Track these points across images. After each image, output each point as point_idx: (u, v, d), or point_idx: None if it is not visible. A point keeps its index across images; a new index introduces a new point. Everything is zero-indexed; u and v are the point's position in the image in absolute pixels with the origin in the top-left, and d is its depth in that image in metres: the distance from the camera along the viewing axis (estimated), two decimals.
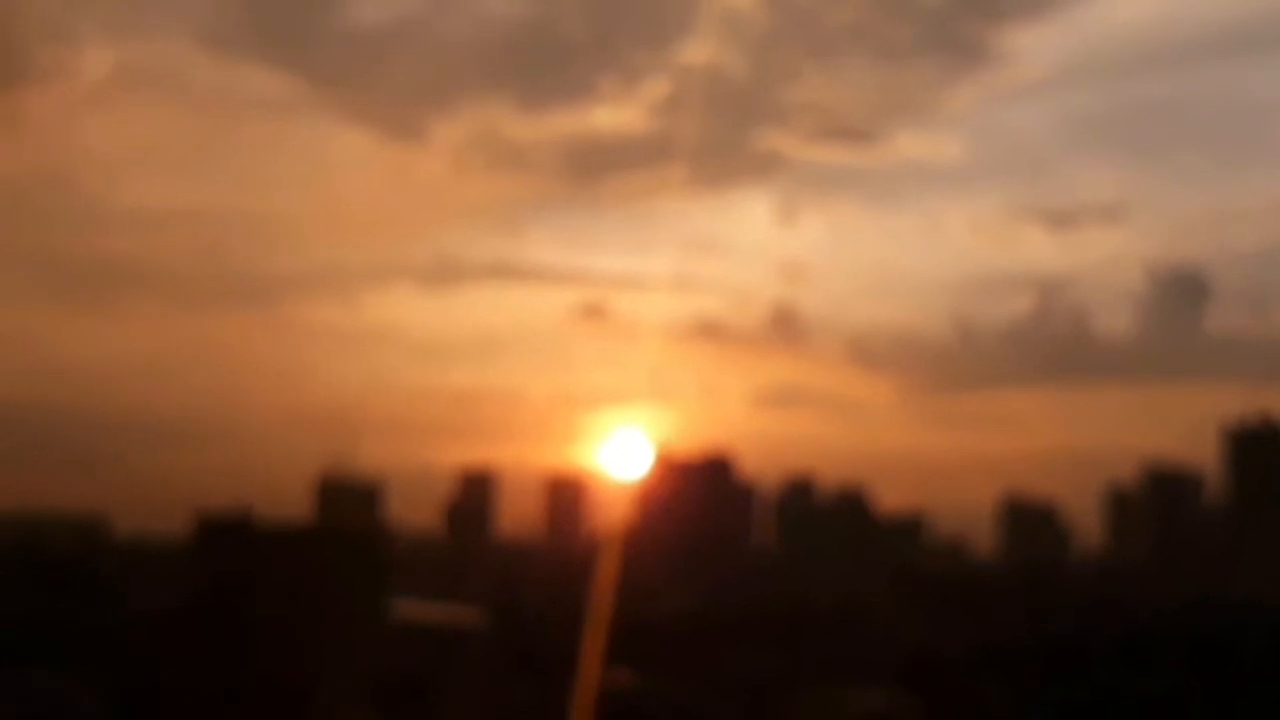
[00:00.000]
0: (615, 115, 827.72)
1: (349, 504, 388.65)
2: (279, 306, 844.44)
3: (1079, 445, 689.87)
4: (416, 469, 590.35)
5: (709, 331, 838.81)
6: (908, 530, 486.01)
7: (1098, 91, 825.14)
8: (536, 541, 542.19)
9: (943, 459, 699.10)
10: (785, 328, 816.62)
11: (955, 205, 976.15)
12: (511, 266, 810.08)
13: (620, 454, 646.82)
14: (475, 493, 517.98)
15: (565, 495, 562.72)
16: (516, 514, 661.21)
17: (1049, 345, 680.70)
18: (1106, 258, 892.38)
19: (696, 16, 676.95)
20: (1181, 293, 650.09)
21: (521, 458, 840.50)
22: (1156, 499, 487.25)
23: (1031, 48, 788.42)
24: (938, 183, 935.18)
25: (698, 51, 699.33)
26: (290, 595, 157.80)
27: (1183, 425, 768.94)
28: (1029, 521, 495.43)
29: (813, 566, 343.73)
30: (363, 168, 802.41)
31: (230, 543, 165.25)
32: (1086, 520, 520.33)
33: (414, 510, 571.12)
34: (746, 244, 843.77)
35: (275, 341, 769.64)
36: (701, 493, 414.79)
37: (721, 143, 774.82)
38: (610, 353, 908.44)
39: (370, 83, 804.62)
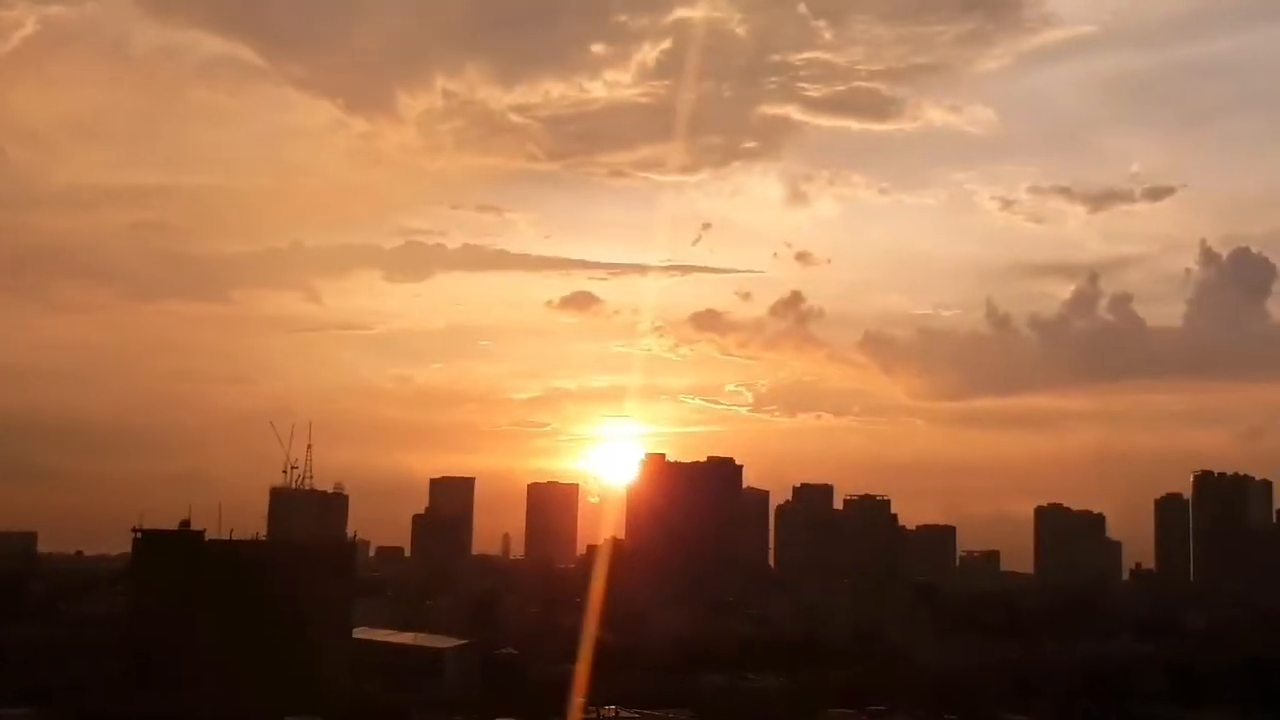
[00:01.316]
0: (605, 83, 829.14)
1: (306, 516, 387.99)
2: (230, 296, 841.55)
3: (1126, 451, 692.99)
4: (383, 477, 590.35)
5: (710, 323, 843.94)
6: (934, 545, 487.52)
7: (1143, 51, 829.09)
8: (516, 557, 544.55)
9: (973, 467, 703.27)
10: (795, 319, 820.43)
11: (985, 181, 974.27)
12: (489, 253, 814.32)
13: (611, 460, 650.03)
14: (448, 503, 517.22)
15: (549, 506, 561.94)
16: (494, 526, 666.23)
17: (1092, 339, 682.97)
18: (1156, 240, 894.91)
19: None
20: (1241, 279, 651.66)
21: (500, 464, 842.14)
22: (1213, 511, 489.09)
23: (1069, 3, 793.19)
24: (965, 156, 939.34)
25: (696, 9, 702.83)
26: (238, 616, 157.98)
27: (1244, 428, 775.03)
28: (1070, 536, 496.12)
29: (828, 585, 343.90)
30: (322, 143, 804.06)
31: (172, 559, 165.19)
32: (1135, 534, 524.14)
33: (380, 523, 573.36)
34: (751, 226, 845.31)
35: (225, 335, 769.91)
36: (701, 502, 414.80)
37: (723, 113, 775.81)
38: (600, 348, 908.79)
39: (330, 48, 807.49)
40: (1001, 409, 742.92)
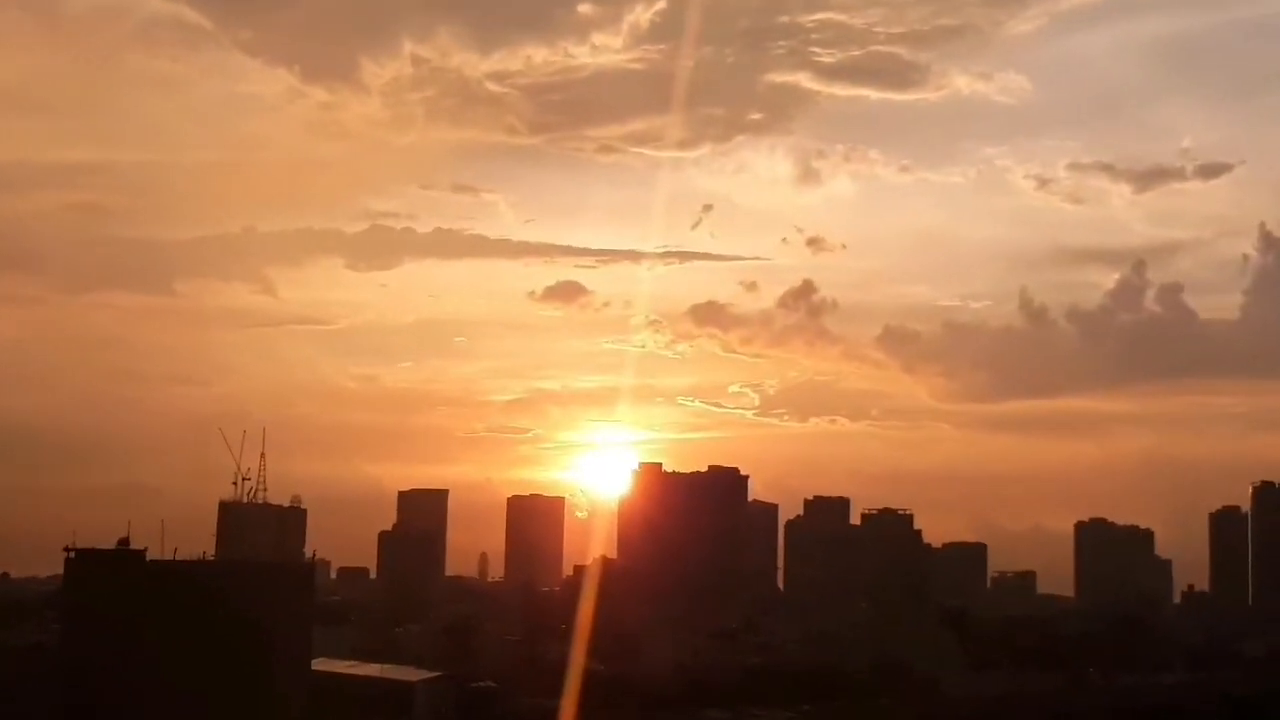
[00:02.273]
0: (593, 47, 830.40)
1: (260, 533, 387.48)
2: (174, 288, 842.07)
3: (1177, 459, 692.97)
4: (345, 490, 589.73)
5: (711, 317, 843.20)
6: (963, 565, 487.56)
7: (1196, 11, 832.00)
8: (495, 579, 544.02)
9: (1006, 477, 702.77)
10: (806, 312, 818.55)
11: (1018, 157, 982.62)
12: (464, 238, 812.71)
13: (600, 469, 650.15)
14: (419, 519, 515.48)
15: (531, 521, 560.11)
16: (471, 544, 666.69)
17: (1138, 334, 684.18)
18: (1210, 222, 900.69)
19: None
20: None
21: (477, 475, 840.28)
22: (1274, 526, 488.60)
23: None
24: (996, 129, 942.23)
25: None
26: (183, 646, 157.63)
27: None
28: (1115, 554, 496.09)
29: (844, 609, 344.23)
30: (277, 115, 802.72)
31: (109, 582, 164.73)
32: (1187, 552, 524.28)
33: (342, 541, 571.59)
34: (757, 208, 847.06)
35: (169, 331, 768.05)
36: (702, 517, 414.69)
37: (726, 81, 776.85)
38: (588, 344, 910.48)
39: (285, 9, 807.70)
40: (1037, 412, 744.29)
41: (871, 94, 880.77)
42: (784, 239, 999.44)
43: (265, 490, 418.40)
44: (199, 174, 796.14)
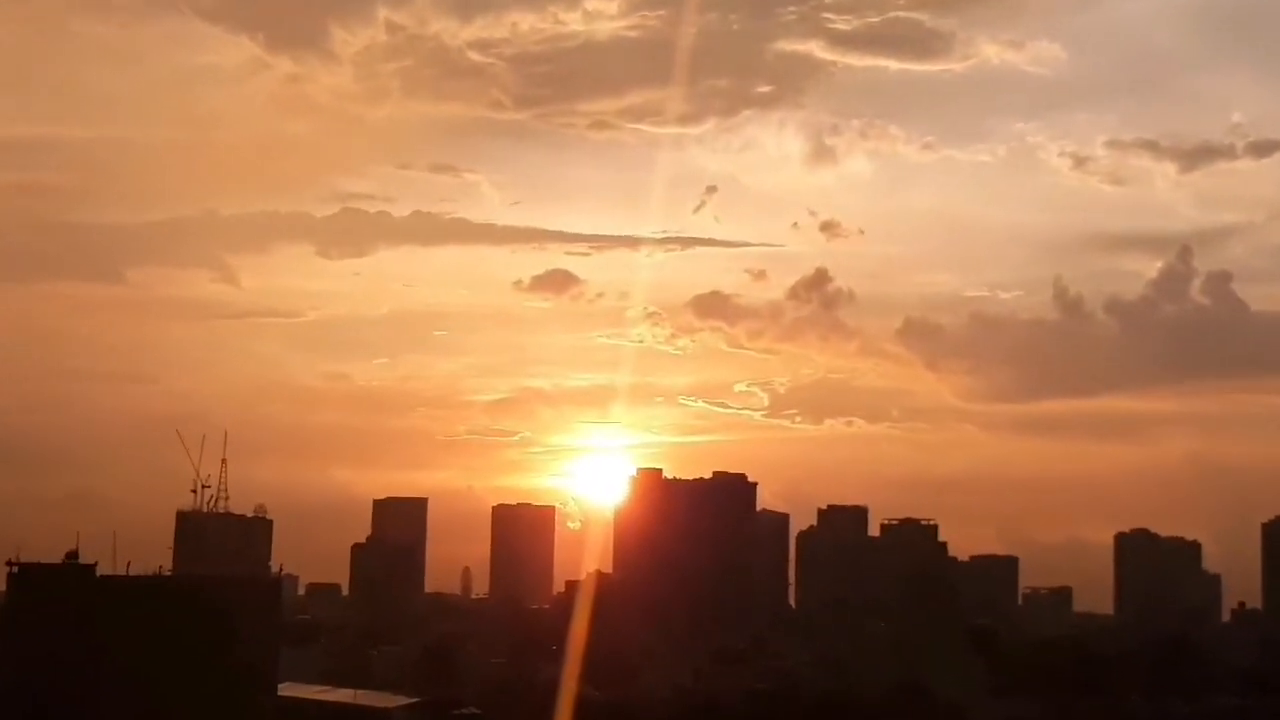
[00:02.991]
0: (586, 13, 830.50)
1: (220, 545, 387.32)
2: (127, 277, 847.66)
3: (1226, 465, 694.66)
4: (315, 498, 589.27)
5: (715, 309, 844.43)
6: (992, 580, 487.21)
7: None
8: (479, 596, 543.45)
9: (1038, 484, 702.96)
10: (819, 303, 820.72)
11: (1052, 134, 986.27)
12: (444, 222, 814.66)
13: (595, 476, 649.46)
14: (396, 530, 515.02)
15: (519, 533, 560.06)
16: (452, 558, 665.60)
17: (1183, 327, 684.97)
18: (1261, 205, 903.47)
19: None
20: None
21: (459, 482, 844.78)
22: None
23: None
24: (1028, 103, 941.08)
25: None
26: (136, 668, 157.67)
27: None
28: (1158, 568, 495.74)
29: (861, 629, 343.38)
30: (239, 88, 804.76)
31: (55, 598, 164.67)
32: (1237, 566, 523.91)
33: (311, 554, 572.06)
34: (766, 189, 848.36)
35: (122, 324, 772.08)
36: (706, 528, 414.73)
37: (731, 50, 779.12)
38: (581, 339, 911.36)
39: None
40: (1073, 413, 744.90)
41: (891, 64, 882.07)
42: (795, 223, 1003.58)
43: (227, 499, 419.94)
44: (153, 152, 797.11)
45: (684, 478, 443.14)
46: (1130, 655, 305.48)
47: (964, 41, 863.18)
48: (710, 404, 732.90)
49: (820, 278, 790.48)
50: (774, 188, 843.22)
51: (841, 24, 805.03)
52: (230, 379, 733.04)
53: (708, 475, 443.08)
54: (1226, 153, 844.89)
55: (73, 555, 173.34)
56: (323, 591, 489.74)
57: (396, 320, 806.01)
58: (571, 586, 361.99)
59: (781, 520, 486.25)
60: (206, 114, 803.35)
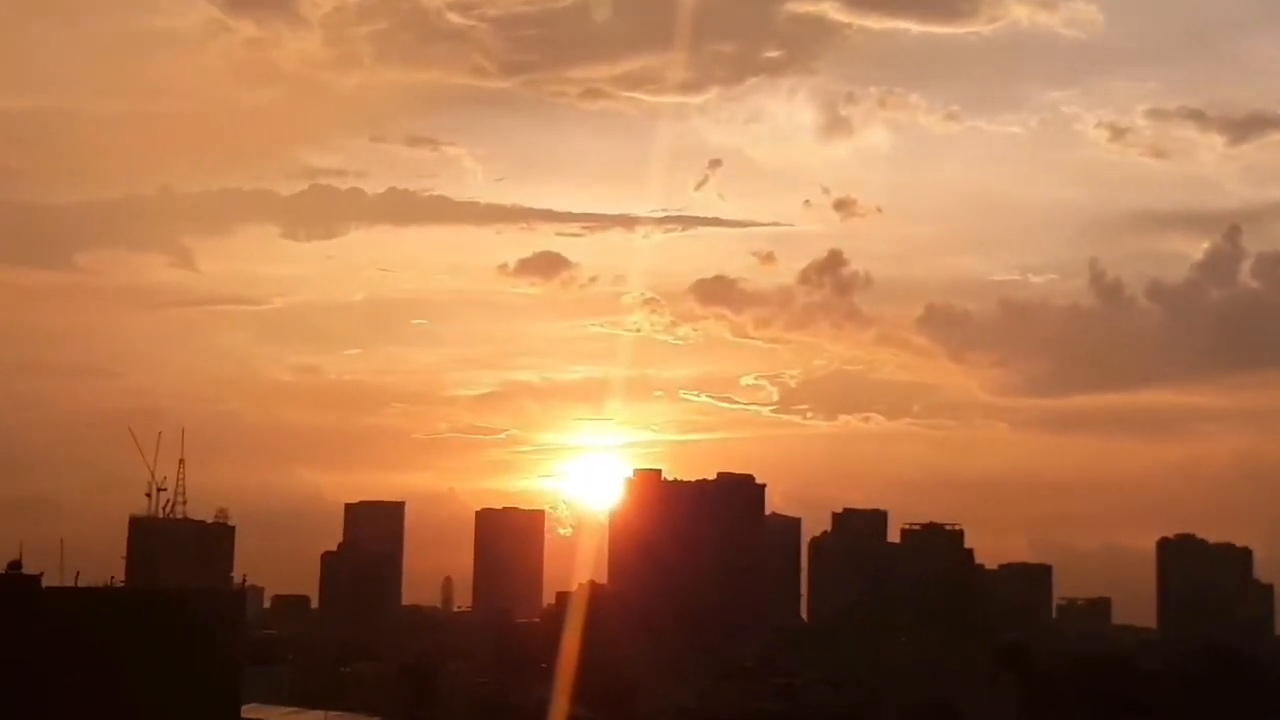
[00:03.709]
0: None
1: (178, 554, 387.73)
2: (75, 261, 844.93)
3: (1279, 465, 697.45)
4: (282, 503, 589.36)
5: (720, 294, 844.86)
6: (1023, 590, 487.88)
7: None
8: (462, 609, 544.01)
9: (1074, 486, 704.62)
10: (833, 288, 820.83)
11: (1089, 102, 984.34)
12: (423, 200, 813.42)
13: (588, 478, 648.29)
14: (370, 537, 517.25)
15: (505, 539, 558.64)
16: (432, 568, 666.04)
17: (1232, 315, 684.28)
18: None
19: None
20: None
21: (439, 484, 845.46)
22: None
23: None
24: (1063, 68, 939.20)
25: None
26: (85, 688, 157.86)
27: None
28: (1205, 577, 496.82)
29: (880, 643, 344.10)
30: (197, 53, 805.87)
31: None
32: None
33: (278, 564, 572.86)
34: (775, 163, 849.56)
35: (69, 313, 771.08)
36: (709, 535, 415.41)
37: (737, 11, 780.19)
38: (572, 327, 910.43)
39: None
40: (1111, 408, 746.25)
41: (912, 26, 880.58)
42: (807, 201, 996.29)
43: (185, 503, 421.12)
44: (102, 125, 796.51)
45: (685, 479, 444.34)
46: (1174, 672, 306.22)
47: (992, 1, 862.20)
48: (714, 399, 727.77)
49: (834, 260, 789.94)
50: (784, 162, 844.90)
51: None
52: (188, 372, 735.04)
53: (711, 476, 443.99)
54: (1278, 123, 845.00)
55: (15, 565, 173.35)
56: (290, 604, 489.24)
57: (370, 308, 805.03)
58: (562, 598, 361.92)
59: (792, 525, 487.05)
60: (161, 82, 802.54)
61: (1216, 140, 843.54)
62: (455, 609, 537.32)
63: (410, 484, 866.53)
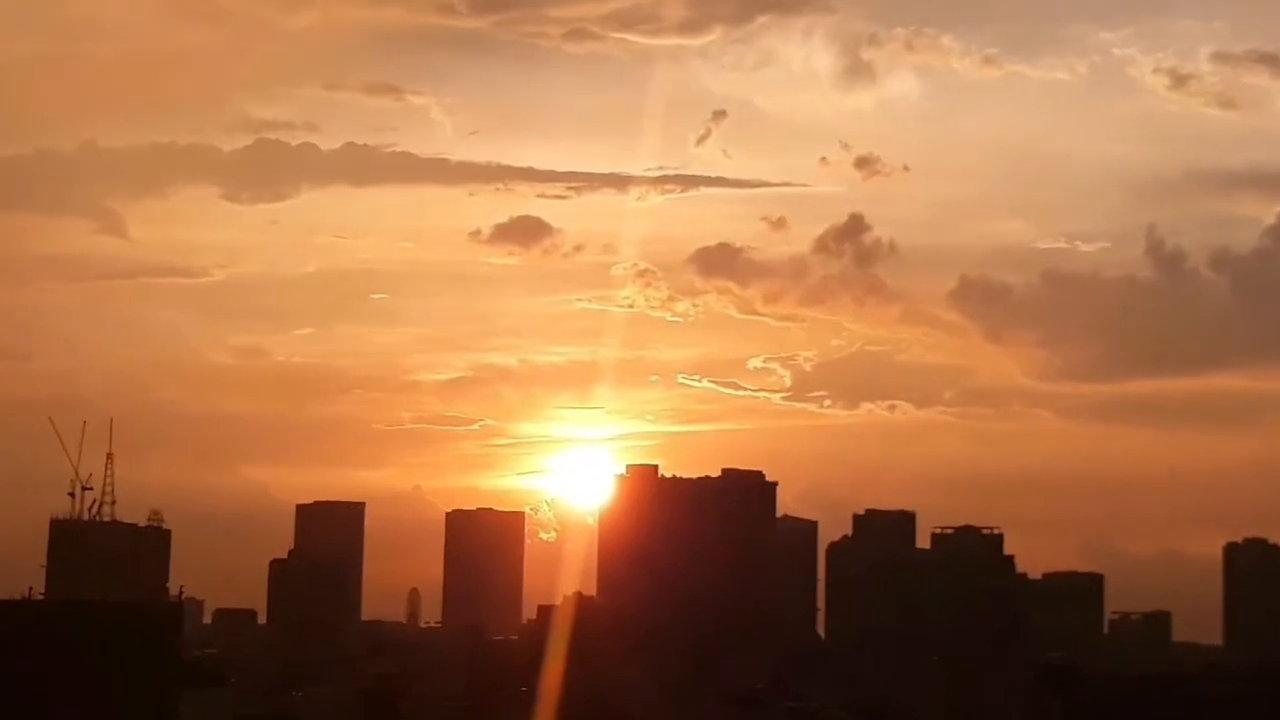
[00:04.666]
0: None
1: (106, 561, 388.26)
2: None
3: None
4: (224, 503, 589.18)
5: (724, 265, 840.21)
6: (1071, 602, 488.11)
7: None
8: (430, 624, 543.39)
9: (1128, 483, 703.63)
10: (854, 259, 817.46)
11: (1146, 44, 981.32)
12: (384, 156, 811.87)
13: (574, 475, 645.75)
14: (325, 542, 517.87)
15: (479, 545, 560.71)
16: (396, 577, 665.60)
17: None
18: None
19: None
20: None
21: (404, 482, 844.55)
22: None
23: None
24: (1116, 6, 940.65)
25: None
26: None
27: None
28: (1277, 587, 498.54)
29: (906, 662, 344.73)
30: None
31: None
32: None
33: (220, 572, 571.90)
34: (787, 115, 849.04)
35: None
36: (713, 539, 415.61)
37: None
38: (556, 303, 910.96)
39: None
40: (1172, 395, 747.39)
41: None
42: (823, 158, 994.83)
43: (113, 504, 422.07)
44: (15, 70, 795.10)
45: (685, 476, 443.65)
46: (1242, 696, 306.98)
47: None
48: (717, 384, 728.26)
49: (855, 226, 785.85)
50: (797, 113, 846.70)
51: None
52: (117, 354, 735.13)
53: (715, 473, 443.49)
54: None
55: None
56: (234, 619, 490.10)
57: (324, 281, 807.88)
58: (545, 613, 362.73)
59: (808, 529, 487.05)
60: (84, 21, 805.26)
61: None
62: (422, 625, 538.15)
63: (370, 482, 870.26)
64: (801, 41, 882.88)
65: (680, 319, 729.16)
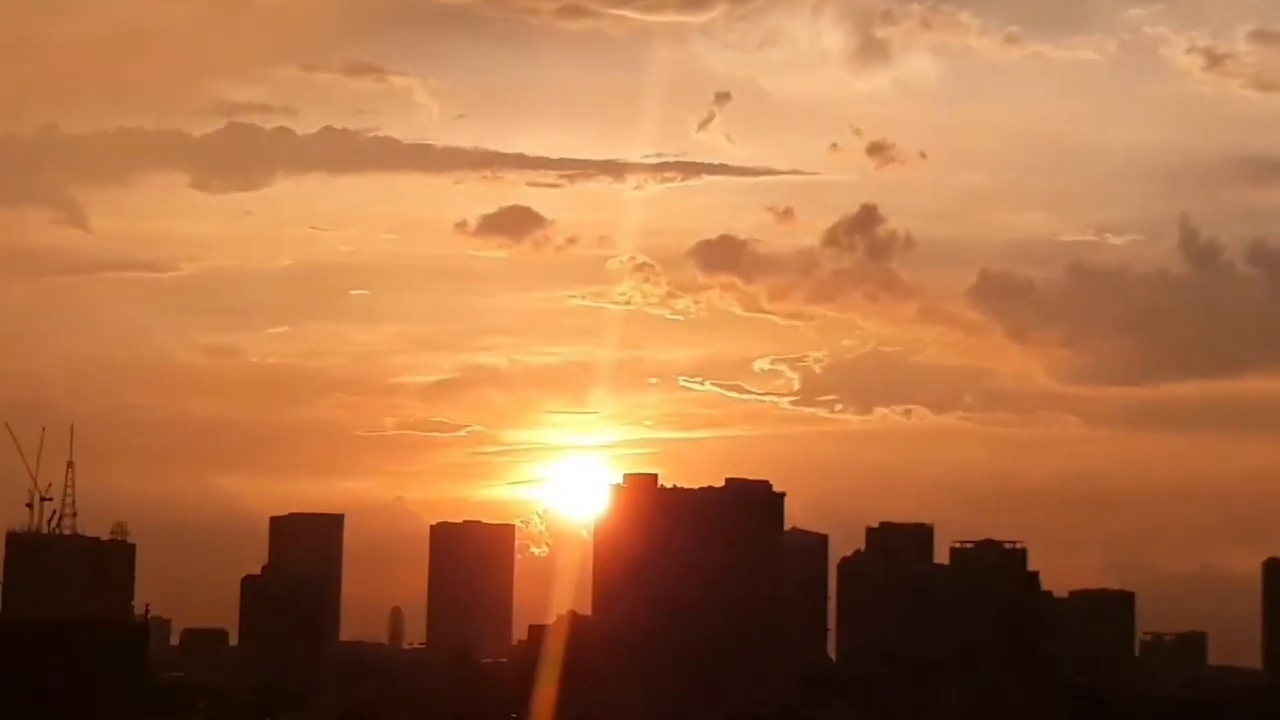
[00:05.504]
0: None
1: (67, 577, 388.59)
2: None
3: None
4: (193, 515, 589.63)
5: (728, 259, 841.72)
6: (1100, 621, 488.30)
7: None
8: (413, 645, 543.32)
9: (1161, 494, 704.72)
10: (867, 252, 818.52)
11: (1179, 23, 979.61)
12: (365, 142, 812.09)
13: (567, 484, 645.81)
14: (301, 557, 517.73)
15: (466, 560, 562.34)
16: (377, 594, 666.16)
17: None
18: None
19: None
20: None
21: (385, 493, 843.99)
22: None
23: None
24: None
25: None
26: None
27: None
28: None
29: (923, 684, 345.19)
30: None
31: None
32: None
33: (189, 590, 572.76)
34: (796, 99, 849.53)
35: None
36: (716, 553, 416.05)
37: None
38: (548, 299, 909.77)
39: None
40: (1207, 399, 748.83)
41: None
42: (834, 144, 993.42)
43: (74, 515, 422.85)
44: None
45: (686, 486, 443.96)
46: None
47: None
48: (720, 387, 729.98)
49: (867, 217, 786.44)
50: (806, 96, 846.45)
51: None
52: (78, 354, 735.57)
53: (718, 483, 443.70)
54: None
55: None
56: (204, 640, 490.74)
57: (300, 275, 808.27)
58: (536, 633, 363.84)
59: (818, 543, 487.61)
60: (50, 4, 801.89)
61: None
62: (405, 646, 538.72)
63: (350, 492, 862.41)
64: (810, 19, 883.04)
65: (681, 317, 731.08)
